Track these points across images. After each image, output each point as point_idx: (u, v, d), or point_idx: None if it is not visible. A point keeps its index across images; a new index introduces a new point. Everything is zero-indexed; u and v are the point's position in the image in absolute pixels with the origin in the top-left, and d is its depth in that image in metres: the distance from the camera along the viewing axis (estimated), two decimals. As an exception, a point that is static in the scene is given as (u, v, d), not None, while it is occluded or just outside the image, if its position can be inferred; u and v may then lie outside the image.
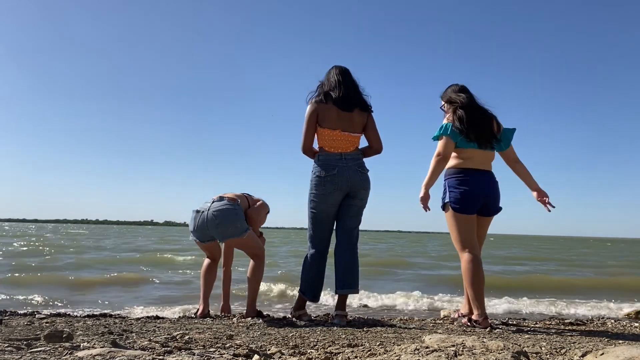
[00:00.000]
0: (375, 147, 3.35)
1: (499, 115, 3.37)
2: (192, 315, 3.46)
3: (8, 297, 5.40)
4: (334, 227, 3.33)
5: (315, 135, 3.27)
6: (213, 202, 3.30)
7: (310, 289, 3.27)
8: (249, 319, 3.27)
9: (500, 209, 3.36)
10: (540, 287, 7.62)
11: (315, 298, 3.29)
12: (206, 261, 3.50)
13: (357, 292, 3.24)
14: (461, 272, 3.33)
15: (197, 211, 3.32)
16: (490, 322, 3.21)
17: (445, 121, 3.28)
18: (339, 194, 3.19)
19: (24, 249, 14.87)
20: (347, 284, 3.16)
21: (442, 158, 3.20)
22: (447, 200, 3.24)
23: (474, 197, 3.22)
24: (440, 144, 3.21)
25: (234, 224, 3.22)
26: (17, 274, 7.59)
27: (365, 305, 5.30)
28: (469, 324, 3.27)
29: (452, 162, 3.29)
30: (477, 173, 3.24)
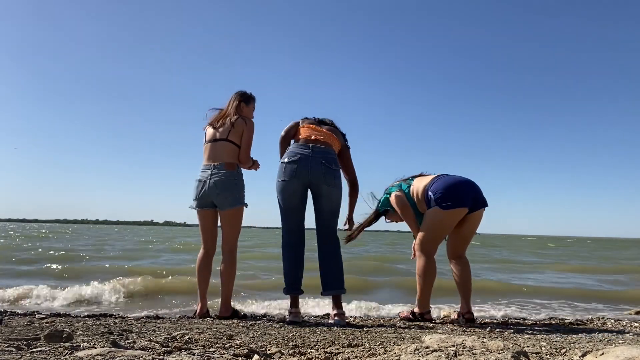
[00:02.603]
0: (352, 179, 3.49)
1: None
2: (191, 316, 3.45)
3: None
4: (309, 222, 3.35)
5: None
6: (213, 169, 3.28)
7: (287, 281, 3.24)
8: (239, 318, 3.26)
9: (487, 202, 3.48)
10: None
11: (290, 290, 3.22)
12: (200, 255, 3.42)
13: (342, 292, 3.19)
14: (453, 273, 3.54)
15: (199, 180, 3.33)
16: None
17: (393, 200, 3.60)
18: (297, 182, 3.15)
19: None
20: (328, 285, 3.17)
21: (404, 205, 3.54)
22: (433, 204, 3.36)
23: (463, 187, 3.36)
24: (397, 199, 3.55)
25: (233, 193, 3.26)
26: None
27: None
28: (411, 317, 3.47)
29: (424, 180, 3.51)
30: (449, 174, 3.47)
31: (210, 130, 3.40)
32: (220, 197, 3.26)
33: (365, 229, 3.81)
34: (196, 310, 3.43)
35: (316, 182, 3.16)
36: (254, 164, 3.42)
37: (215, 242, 3.48)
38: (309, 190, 3.25)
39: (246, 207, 3.36)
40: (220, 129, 3.33)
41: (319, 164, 3.15)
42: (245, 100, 3.47)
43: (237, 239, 3.39)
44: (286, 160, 3.19)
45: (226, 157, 3.28)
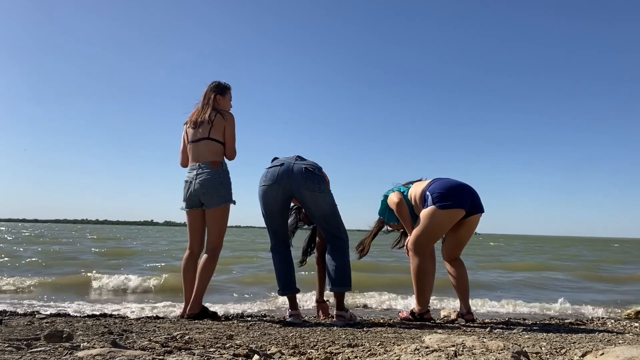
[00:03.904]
0: None
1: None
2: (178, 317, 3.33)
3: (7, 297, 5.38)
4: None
5: None
6: (198, 169, 3.25)
7: (280, 283, 3.25)
8: (209, 317, 3.22)
9: (484, 208, 3.48)
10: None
11: (285, 291, 3.23)
12: (185, 256, 3.36)
13: (344, 290, 3.17)
14: (449, 275, 3.55)
15: (186, 181, 3.31)
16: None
17: (390, 200, 3.59)
18: (278, 188, 3.11)
19: None
20: (333, 282, 3.15)
21: (400, 201, 3.50)
22: (430, 204, 3.34)
23: (462, 189, 3.36)
24: (394, 196, 3.53)
25: (219, 192, 3.22)
26: None
27: (365, 305, 5.31)
28: (411, 317, 3.45)
29: (422, 184, 3.50)
30: (450, 178, 3.48)
31: (190, 130, 3.34)
32: (206, 197, 3.22)
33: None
34: (182, 312, 3.31)
35: (297, 188, 3.09)
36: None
37: (202, 242, 3.40)
38: (292, 197, 3.21)
39: (234, 204, 3.31)
40: (200, 129, 3.27)
41: (301, 169, 3.10)
42: (220, 92, 3.36)
43: (223, 238, 3.33)
44: (271, 164, 3.20)
45: (210, 156, 3.24)
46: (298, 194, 3.12)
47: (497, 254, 18.77)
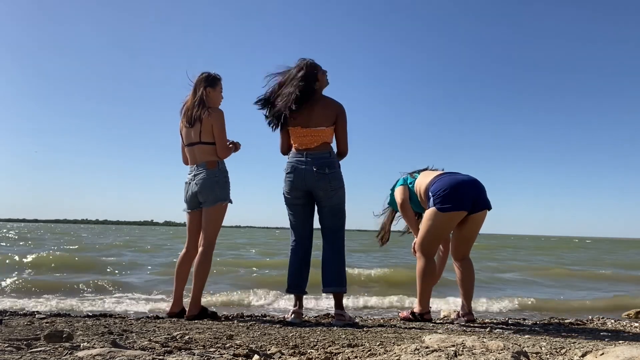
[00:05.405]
0: (340, 150, 3.31)
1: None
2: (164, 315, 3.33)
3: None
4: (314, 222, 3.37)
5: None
6: (196, 170, 3.27)
7: (289, 281, 3.27)
8: (209, 317, 3.21)
9: (490, 204, 3.43)
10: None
11: (292, 290, 3.26)
12: (181, 254, 3.35)
13: (341, 291, 3.19)
14: (456, 274, 3.52)
15: (185, 182, 3.35)
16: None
17: (396, 194, 3.60)
18: (299, 191, 3.23)
19: None
20: (328, 282, 3.17)
21: (404, 202, 3.53)
22: (431, 205, 3.33)
23: (464, 188, 3.31)
24: (398, 194, 3.55)
25: (214, 191, 3.23)
26: None
27: (366, 306, 5.31)
28: (411, 317, 3.43)
29: (428, 177, 3.46)
30: (454, 173, 3.45)
31: (184, 130, 3.32)
32: (203, 196, 3.24)
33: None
34: (170, 310, 3.30)
35: (312, 189, 3.20)
36: (235, 149, 3.37)
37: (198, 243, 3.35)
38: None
39: (230, 203, 3.32)
40: (192, 130, 3.26)
41: (312, 173, 3.14)
42: (210, 84, 3.30)
43: (216, 237, 3.32)
44: (286, 171, 3.25)
45: (206, 157, 3.25)
46: (314, 193, 3.23)
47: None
